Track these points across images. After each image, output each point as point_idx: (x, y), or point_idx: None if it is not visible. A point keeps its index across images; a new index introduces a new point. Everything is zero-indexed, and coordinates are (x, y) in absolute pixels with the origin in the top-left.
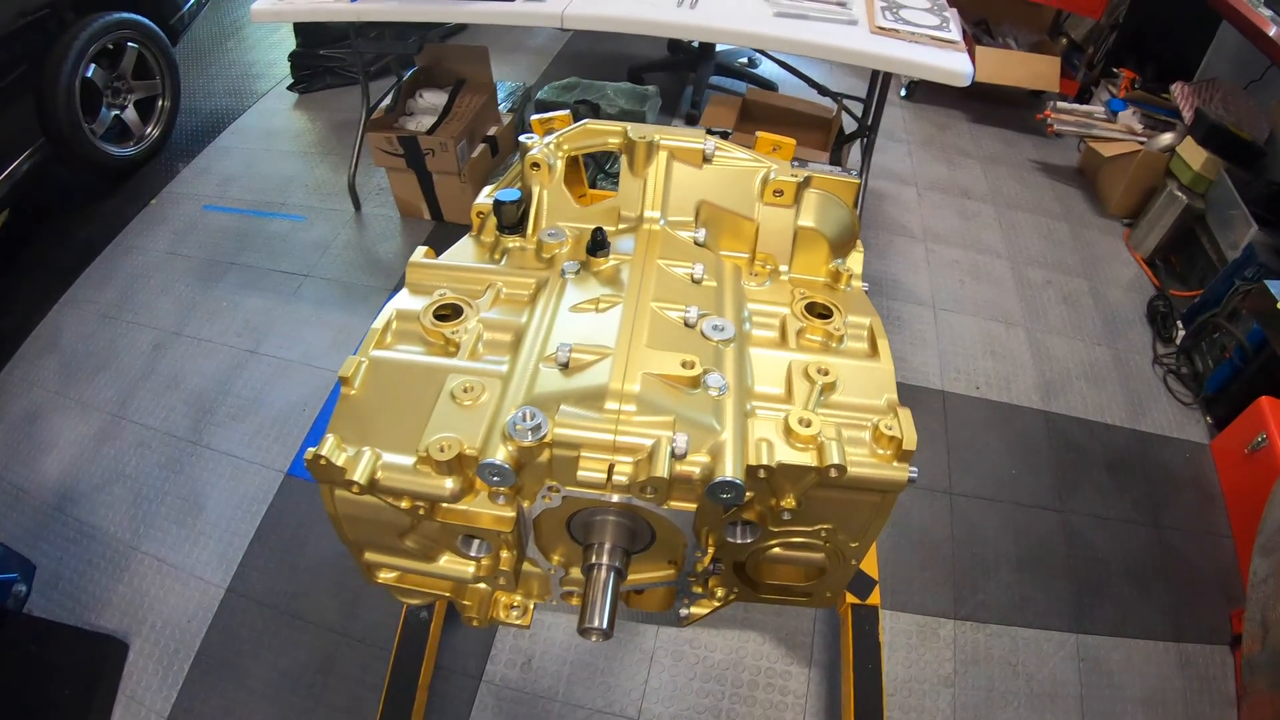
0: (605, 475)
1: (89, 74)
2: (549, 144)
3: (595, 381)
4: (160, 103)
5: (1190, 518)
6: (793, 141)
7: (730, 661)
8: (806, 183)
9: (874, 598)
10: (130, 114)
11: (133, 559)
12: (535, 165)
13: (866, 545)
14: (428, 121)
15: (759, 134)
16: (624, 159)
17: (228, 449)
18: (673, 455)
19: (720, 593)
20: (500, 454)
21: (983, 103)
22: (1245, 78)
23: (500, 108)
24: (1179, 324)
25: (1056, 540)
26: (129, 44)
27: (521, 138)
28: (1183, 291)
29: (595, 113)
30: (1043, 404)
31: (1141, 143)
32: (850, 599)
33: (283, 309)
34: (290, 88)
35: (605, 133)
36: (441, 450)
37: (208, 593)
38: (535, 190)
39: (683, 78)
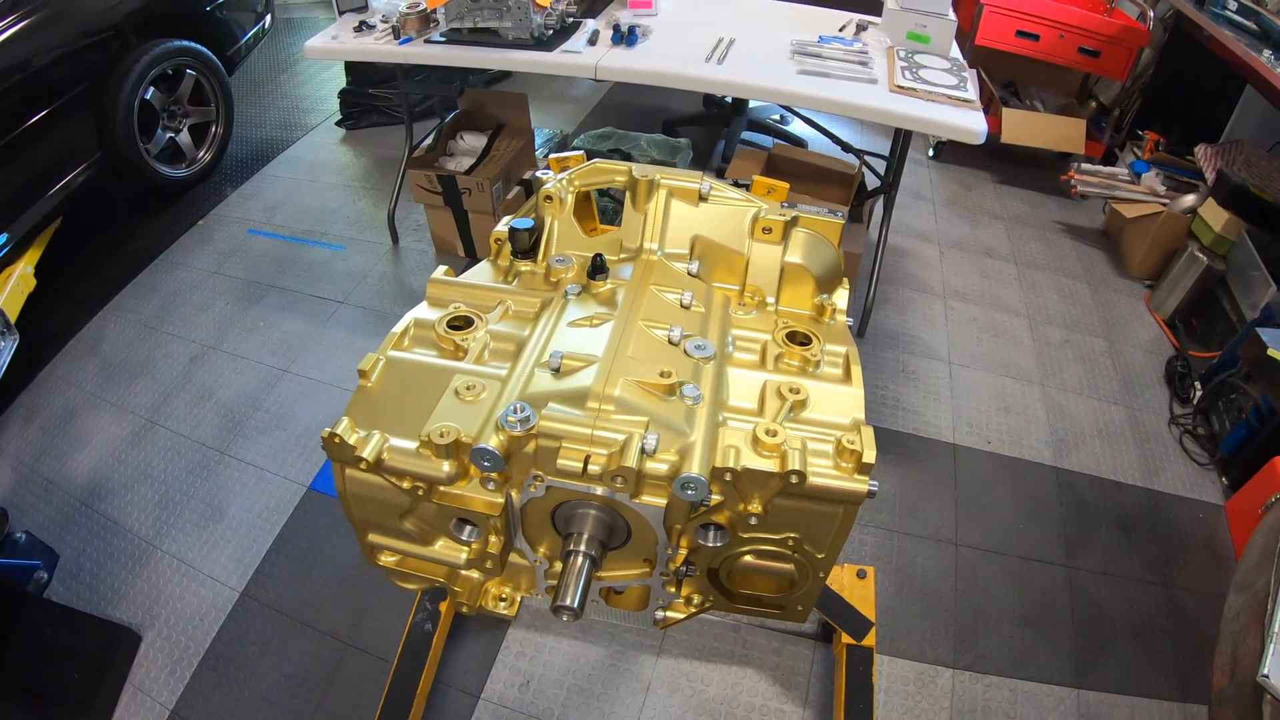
0: (582, 465)
1: (148, 96)
2: (561, 180)
3: (581, 384)
4: (214, 129)
5: (1201, 579)
6: (785, 186)
7: (725, 697)
8: (794, 221)
9: (870, 639)
10: (184, 137)
11: (153, 556)
12: (548, 198)
13: (833, 556)
14: (466, 162)
15: (755, 178)
16: (627, 195)
17: (253, 460)
18: (642, 451)
19: (696, 599)
20: (492, 441)
21: (1009, 164)
22: (1269, 140)
23: (537, 153)
24: (1197, 384)
25: (1062, 596)
26: (188, 71)
27: (538, 173)
28: (1203, 353)
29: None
30: (1055, 460)
31: (1164, 204)
32: (846, 639)
33: (317, 332)
34: (338, 123)
35: (612, 171)
36: (441, 436)
37: (222, 594)
38: (547, 220)
39: (716, 132)
